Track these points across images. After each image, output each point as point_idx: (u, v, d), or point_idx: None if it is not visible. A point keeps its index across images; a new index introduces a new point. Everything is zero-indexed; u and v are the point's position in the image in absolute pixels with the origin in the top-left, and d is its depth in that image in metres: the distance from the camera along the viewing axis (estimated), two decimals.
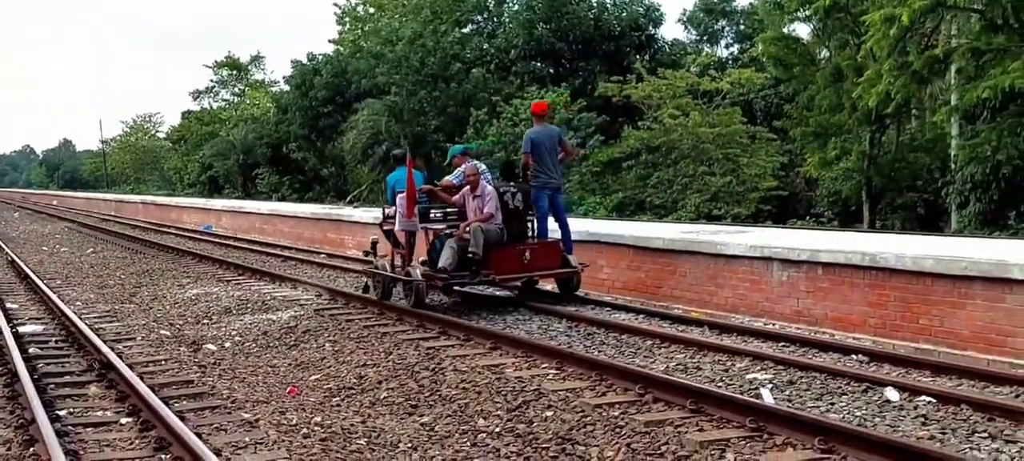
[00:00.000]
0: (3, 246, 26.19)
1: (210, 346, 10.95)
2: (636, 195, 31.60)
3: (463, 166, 13.44)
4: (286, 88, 56.48)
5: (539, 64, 41.22)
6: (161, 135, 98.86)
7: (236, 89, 78.49)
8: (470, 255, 12.50)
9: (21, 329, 11.90)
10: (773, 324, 11.41)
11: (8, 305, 14.21)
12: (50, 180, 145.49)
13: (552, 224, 13.71)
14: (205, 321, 12.77)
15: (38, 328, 12.23)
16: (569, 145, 13.94)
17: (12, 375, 9.05)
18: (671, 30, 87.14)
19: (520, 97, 37.23)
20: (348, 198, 38.95)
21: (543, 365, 9.26)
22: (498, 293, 14.15)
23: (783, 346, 10.00)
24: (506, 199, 13.06)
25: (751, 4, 41.92)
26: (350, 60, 47.06)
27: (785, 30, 29.78)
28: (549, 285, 14.07)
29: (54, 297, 14.43)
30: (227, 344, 11.10)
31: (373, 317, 12.57)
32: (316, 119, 49.06)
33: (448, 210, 13.42)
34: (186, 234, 31.22)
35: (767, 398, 7.84)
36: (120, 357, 9.72)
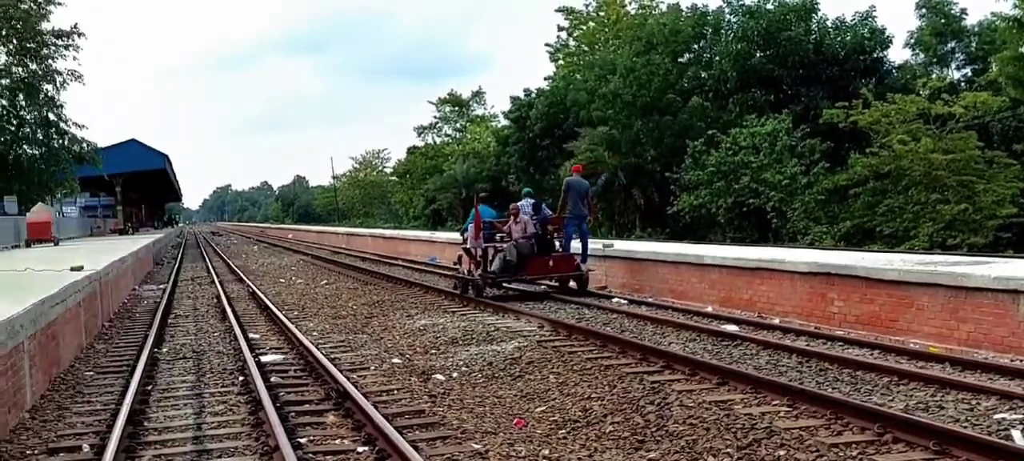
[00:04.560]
0: (244, 278, 27.86)
1: (439, 376, 11.19)
2: (864, 224, 30.54)
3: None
4: (505, 123, 57.73)
5: (757, 92, 40.43)
6: (388, 170, 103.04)
7: (458, 125, 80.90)
8: (509, 261, 18.84)
9: (263, 359, 12.54)
10: (1021, 361, 10.69)
11: (251, 335, 14.99)
12: (285, 214, 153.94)
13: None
14: (433, 351, 13.06)
15: (278, 358, 12.82)
16: (591, 197, 21.46)
17: (256, 403, 9.53)
18: (898, 53, 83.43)
19: (739, 125, 36.69)
20: None
21: (774, 402, 8.98)
22: (535, 289, 20.43)
23: None
24: (535, 226, 19.37)
25: (982, 24, 39.85)
26: (567, 92, 47.62)
27: None
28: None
29: (292, 327, 15.15)
30: (455, 374, 11.32)
31: (595, 349, 12.53)
32: (534, 151, 49.86)
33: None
34: (412, 265, 32.26)
35: (1018, 440, 7.37)
36: (355, 386, 10.04)
